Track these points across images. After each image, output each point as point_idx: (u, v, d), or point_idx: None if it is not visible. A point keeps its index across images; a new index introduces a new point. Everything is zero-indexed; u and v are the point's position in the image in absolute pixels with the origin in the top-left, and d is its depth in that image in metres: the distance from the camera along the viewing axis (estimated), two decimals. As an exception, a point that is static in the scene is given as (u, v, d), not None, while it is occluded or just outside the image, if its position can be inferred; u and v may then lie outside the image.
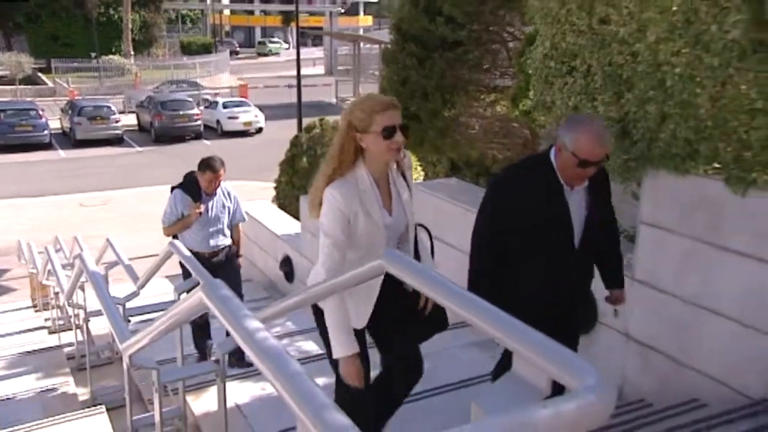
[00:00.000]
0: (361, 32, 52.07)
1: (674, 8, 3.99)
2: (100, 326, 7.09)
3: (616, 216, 3.93)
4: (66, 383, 6.22)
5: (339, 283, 2.90)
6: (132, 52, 47.49)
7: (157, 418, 3.69)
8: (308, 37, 61.91)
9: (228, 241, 6.20)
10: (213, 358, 4.10)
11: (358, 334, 2.98)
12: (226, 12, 67.24)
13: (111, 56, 45.18)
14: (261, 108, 30.25)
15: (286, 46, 65.13)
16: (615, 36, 4.46)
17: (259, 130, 29.11)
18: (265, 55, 61.78)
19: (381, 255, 2.78)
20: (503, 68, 8.95)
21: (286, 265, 9.11)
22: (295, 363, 1.77)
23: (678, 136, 4.16)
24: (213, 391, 4.78)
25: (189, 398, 4.69)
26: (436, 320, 3.12)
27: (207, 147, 26.23)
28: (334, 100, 36.10)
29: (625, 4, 4.33)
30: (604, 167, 3.40)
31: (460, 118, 8.85)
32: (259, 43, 65.55)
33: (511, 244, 3.22)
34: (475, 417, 2.71)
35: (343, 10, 64.61)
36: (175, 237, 5.96)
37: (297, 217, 9.94)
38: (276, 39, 66.43)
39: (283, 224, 9.91)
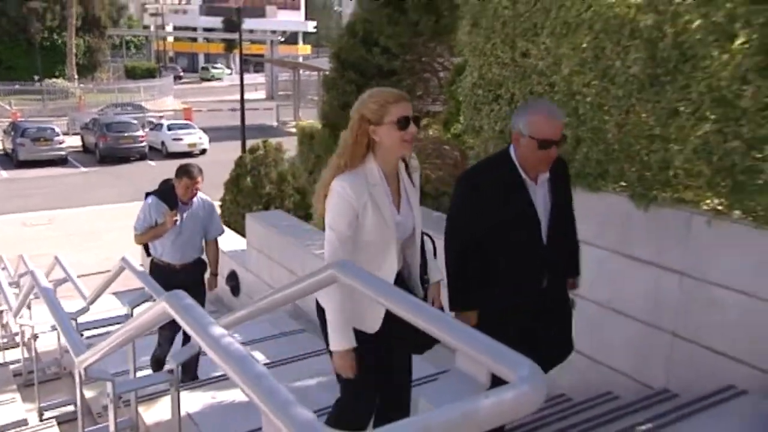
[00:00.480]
0: (300, 60, 51.93)
1: (584, 45, 4.14)
2: (46, 343, 6.89)
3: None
4: (13, 399, 6.01)
5: (292, 293, 2.84)
6: (76, 76, 46.22)
7: (111, 429, 3.57)
8: (250, 63, 61.43)
9: (200, 255, 5.69)
10: (167, 368, 3.93)
11: (369, 339, 2.77)
12: (170, 39, 66.25)
13: (54, 79, 43.95)
14: (205, 130, 29.73)
15: (229, 71, 64.32)
16: (534, 68, 4.59)
17: (203, 152, 28.52)
18: (209, 80, 60.69)
19: (391, 254, 2.70)
20: (435, 95, 9.16)
21: (232, 279, 9.03)
22: (259, 365, 1.78)
23: (590, 157, 4.27)
24: (163, 401, 4.73)
25: (140, 409, 4.56)
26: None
27: (152, 167, 25.72)
28: (275, 123, 35.88)
29: (542, 40, 4.46)
30: (562, 157, 3.29)
31: None
32: (203, 68, 64.39)
33: (482, 242, 3.02)
34: (422, 411, 2.77)
35: (283, 39, 64.58)
36: (146, 246, 5.57)
37: (242, 233, 9.84)
38: (219, 65, 65.49)
39: (229, 240, 9.80)
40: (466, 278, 3.03)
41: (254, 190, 12.84)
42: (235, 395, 4.93)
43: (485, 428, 1.58)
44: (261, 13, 59.45)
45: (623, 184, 4.19)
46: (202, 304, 5.24)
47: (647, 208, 4.05)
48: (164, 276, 5.17)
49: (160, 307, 2.57)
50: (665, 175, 3.91)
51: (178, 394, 3.64)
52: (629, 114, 4.04)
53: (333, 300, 2.60)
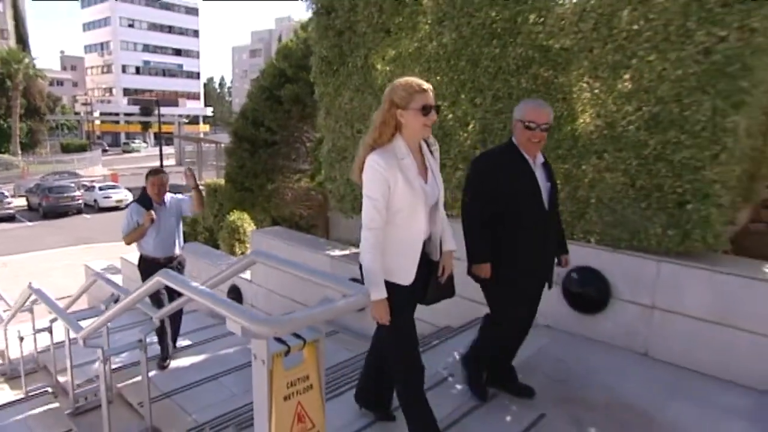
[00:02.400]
0: (201, 135, 50.47)
1: None
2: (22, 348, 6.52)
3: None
4: (2, 389, 5.73)
5: (228, 274, 2.94)
6: (20, 152, 41.97)
7: (102, 380, 3.49)
8: (162, 138, 58.63)
9: (180, 250, 4.98)
10: (137, 339, 3.70)
11: (406, 291, 2.28)
12: (97, 122, 62.20)
13: (1, 155, 39.82)
14: (129, 189, 28.10)
15: (145, 145, 61.18)
16: (365, 139, 5.10)
17: (128, 206, 26.80)
18: (129, 152, 56.77)
19: (419, 217, 2.27)
20: (303, 158, 9.59)
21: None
22: (222, 295, 2.05)
23: None
24: (126, 371, 4.74)
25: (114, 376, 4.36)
26: (448, 288, 2.48)
27: (87, 219, 23.91)
28: (184, 182, 34.34)
29: (368, 122, 4.99)
30: (552, 169, 2.84)
31: (279, 189, 9.31)
32: (124, 143, 60.26)
33: (498, 209, 2.65)
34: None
35: (187, 121, 62.70)
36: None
37: None
38: (137, 140, 61.97)
39: None
40: (481, 238, 2.68)
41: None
42: (179, 363, 4.98)
43: (341, 314, 2.02)
44: (175, 103, 57.95)
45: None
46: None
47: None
48: (152, 269, 4.48)
49: (156, 280, 2.68)
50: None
51: (146, 355, 3.64)
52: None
53: (367, 259, 2.22)
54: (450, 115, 4.20)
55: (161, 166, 20.32)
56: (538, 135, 2.62)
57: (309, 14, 5.68)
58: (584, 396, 2.96)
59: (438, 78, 4.24)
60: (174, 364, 5.02)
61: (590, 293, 3.63)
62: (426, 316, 4.58)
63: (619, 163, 3.41)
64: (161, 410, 3.83)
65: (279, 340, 1.97)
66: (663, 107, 3.24)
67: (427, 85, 2.24)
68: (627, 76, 3.30)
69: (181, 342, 6.22)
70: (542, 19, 3.64)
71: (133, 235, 4.75)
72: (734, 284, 3.19)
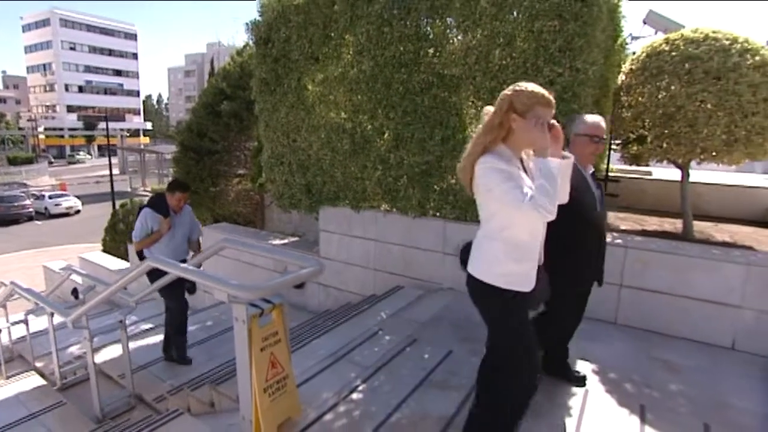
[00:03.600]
0: (142, 146, 46.82)
1: (323, 136, 4.65)
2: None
3: (314, 228, 4.07)
4: None
5: (204, 256, 2.89)
6: (-36, 167, 36.68)
7: (90, 361, 3.28)
8: (105, 149, 53.62)
9: (187, 255, 4.17)
10: (117, 320, 3.45)
11: (526, 298, 1.87)
12: (42, 136, 55.61)
13: (-55, 170, 34.44)
14: (78, 197, 25.63)
15: (90, 156, 55.73)
16: (299, 147, 4.92)
17: (78, 212, 24.27)
18: (75, 163, 51.29)
19: (536, 224, 1.84)
20: (242, 164, 9.33)
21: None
22: (212, 272, 2.00)
23: (331, 191, 4.75)
24: (103, 351, 4.45)
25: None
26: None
27: (38, 226, 21.45)
28: (129, 189, 31.90)
29: (302, 133, 4.83)
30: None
31: (222, 191, 9.00)
32: (70, 155, 54.28)
33: (566, 212, 2.11)
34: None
35: (129, 134, 57.98)
36: (140, 252, 4.04)
37: (124, 259, 9.11)
38: (82, 152, 56.15)
39: (117, 263, 9.07)
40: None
41: (125, 231, 11.76)
42: (147, 341, 4.76)
43: (302, 281, 2.08)
44: (123, 119, 53.45)
45: (347, 201, 4.67)
46: (194, 290, 4.17)
47: (358, 212, 4.61)
48: (160, 275, 3.89)
49: (146, 265, 2.57)
50: (364, 196, 4.50)
51: (126, 332, 3.50)
52: (346, 168, 4.55)
53: (553, 188, 1.69)
54: (369, 126, 4.31)
55: (111, 174, 18.60)
56: (600, 147, 2.42)
57: (240, 41, 5.57)
58: (479, 336, 3.13)
59: (359, 97, 4.33)
60: (143, 342, 4.79)
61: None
62: (353, 288, 4.76)
63: (497, 162, 3.72)
64: (140, 380, 3.71)
65: (253, 305, 2.08)
66: (526, 120, 3.60)
67: (552, 101, 1.76)
68: (500, 98, 3.63)
69: (143, 326, 5.93)
70: (438, 53, 3.90)
71: (146, 242, 3.91)
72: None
